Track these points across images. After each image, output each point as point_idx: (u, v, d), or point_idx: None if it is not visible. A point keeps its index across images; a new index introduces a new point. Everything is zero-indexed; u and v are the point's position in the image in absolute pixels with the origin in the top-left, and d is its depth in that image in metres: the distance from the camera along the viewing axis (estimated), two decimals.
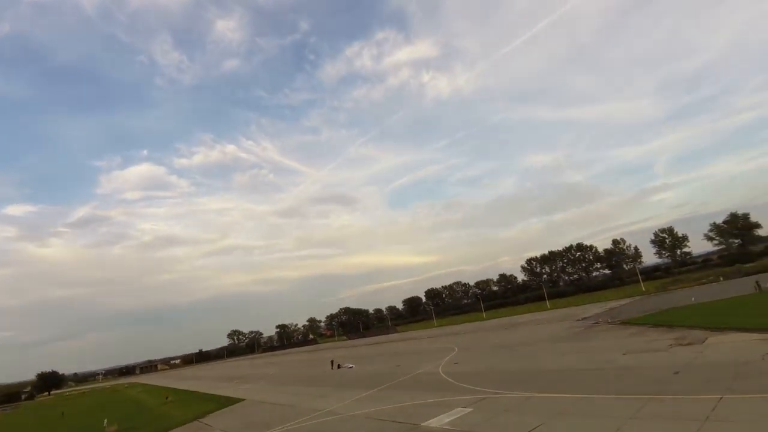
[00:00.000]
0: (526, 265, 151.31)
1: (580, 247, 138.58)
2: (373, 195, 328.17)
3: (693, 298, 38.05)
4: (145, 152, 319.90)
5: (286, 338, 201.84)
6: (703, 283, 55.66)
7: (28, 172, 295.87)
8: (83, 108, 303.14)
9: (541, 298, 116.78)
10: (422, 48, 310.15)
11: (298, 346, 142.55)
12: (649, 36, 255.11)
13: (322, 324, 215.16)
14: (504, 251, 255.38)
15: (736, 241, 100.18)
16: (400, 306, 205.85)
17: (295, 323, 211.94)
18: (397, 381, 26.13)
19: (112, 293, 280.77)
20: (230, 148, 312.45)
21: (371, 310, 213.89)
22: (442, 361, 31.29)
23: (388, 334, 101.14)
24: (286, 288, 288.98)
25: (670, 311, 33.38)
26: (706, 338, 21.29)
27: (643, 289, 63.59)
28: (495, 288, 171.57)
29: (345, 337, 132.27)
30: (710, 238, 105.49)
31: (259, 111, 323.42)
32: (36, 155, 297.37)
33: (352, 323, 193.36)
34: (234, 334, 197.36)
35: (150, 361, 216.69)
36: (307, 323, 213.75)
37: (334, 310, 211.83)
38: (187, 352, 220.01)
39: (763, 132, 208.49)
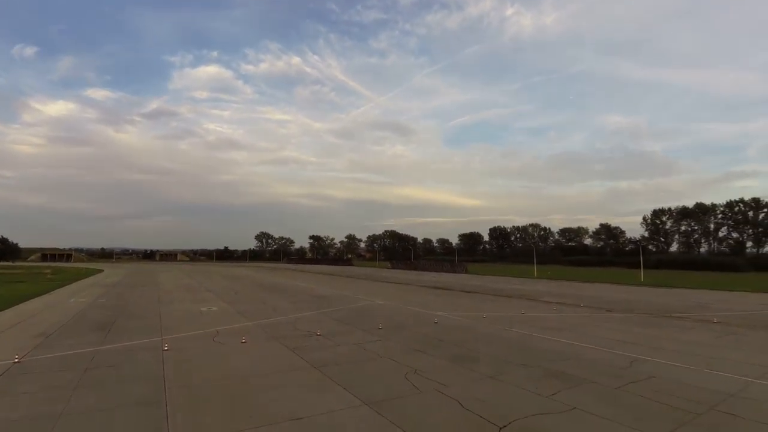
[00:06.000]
0: (650, 218, 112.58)
1: (756, 203, 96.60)
2: (430, 129, 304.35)
3: None
4: (215, 53, 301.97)
5: (319, 252, 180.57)
6: None
7: (109, 59, 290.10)
8: (164, 2, 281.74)
9: (679, 266, 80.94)
10: None
11: (330, 264, 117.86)
12: None
13: (362, 244, 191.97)
14: (556, 210, 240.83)
15: None
16: (454, 241, 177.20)
17: (331, 237, 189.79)
18: None
19: (176, 184, 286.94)
20: (296, 60, 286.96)
21: (420, 239, 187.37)
22: None
23: (455, 273, 70.81)
24: (333, 206, 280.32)
25: None
26: None
27: None
28: (588, 241, 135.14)
29: (388, 264, 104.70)
30: None
31: (328, 25, 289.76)
32: (117, 44, 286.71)
33: (396, 250, 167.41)
34: (262, 236, 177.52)
35: (172, 251, 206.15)
36: (345, 239, 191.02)
37: (378, 233, 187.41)
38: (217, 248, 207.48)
39: None
